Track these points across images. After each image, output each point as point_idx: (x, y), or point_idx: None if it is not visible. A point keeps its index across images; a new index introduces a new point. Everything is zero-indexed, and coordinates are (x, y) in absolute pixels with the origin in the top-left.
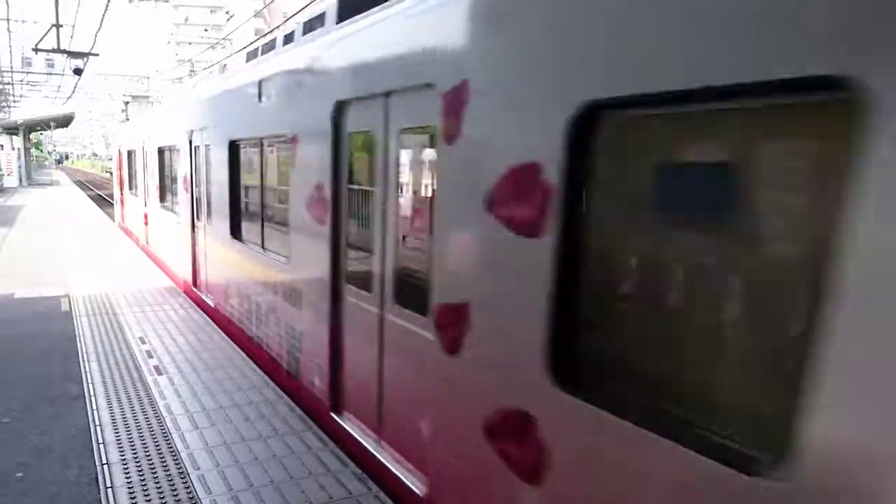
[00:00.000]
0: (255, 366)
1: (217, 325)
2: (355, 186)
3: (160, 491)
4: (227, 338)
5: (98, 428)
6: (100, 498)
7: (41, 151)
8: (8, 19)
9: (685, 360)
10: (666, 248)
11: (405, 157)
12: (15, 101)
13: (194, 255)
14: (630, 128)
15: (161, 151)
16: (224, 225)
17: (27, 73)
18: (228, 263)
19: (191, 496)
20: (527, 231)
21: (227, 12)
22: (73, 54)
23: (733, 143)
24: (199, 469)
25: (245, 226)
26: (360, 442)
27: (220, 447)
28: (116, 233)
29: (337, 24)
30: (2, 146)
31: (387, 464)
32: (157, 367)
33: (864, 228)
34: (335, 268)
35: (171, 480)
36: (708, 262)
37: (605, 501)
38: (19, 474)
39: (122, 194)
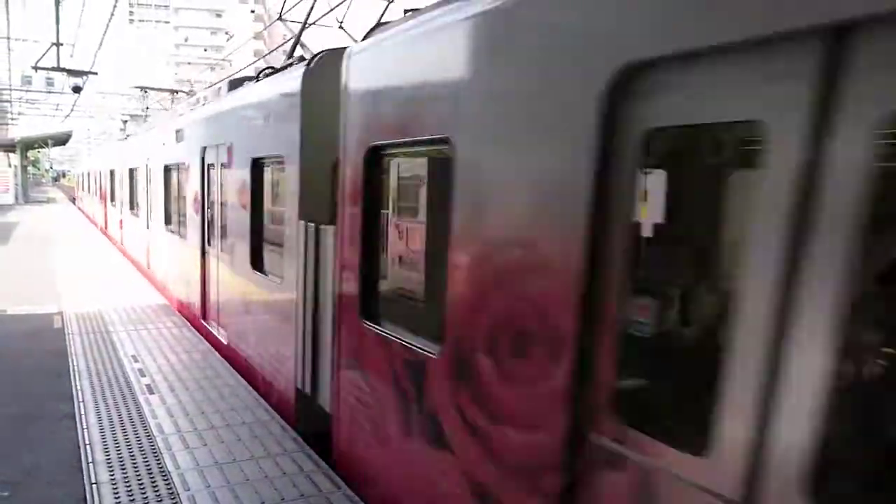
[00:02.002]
0: (248, 386)
1: None
2: None
3: None
4: (220, 356)
5: (88, 447)
6: None
7: (38, 169)
8: (8, 38)
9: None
10: None
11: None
12: (13, 119)
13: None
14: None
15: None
16: None
17: (26, 90)
18: None
19: None
20: None
21: (226, 33)
22: (72, 72)
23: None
24: (189, 490)
25: None
26: None
27: (212, 468)
28: (110, 248)
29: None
30: None
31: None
32: (148, 386)
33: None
34: None
35: (160, 501)
36: None
37: None
38: (6, 493)
39: (77, 192)
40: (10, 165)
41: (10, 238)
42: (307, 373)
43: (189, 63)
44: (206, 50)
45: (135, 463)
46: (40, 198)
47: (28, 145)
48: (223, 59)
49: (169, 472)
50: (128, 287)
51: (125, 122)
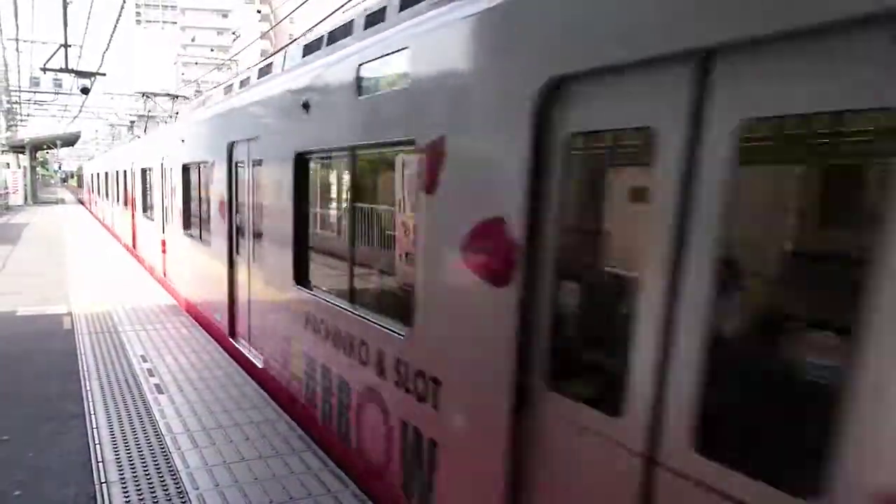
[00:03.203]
0: (255, 385)
1: None
2: None
3: None
4: (227, 355)
5: (97, 446)
6: None
7: (47, 170)
8: (17, 39)
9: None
10: None
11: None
12: (22, 120)
13: None
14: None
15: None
16: None
17: (34, 92)
18: None
19: None
20: None
21: (233, 33)
22: (80, 74)
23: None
24: (198, 489)
25: None
26: None
27: (220, 467)
28: (120, 250)
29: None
30: (7, 164)
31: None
32: (157, 386)
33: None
34: None
35: (169, 500)
36: None
37: None
38: (17, 492)
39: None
40: (19, 166)
41: (19, 239)
42: None
43: (196, 63)
44: (212, 50)
45: (144, 462)
46: (49, 199)
47: (37, 146)
48: (230, 59)
49: (178, 470)
50: (136, 288)
51: (132, 122)
